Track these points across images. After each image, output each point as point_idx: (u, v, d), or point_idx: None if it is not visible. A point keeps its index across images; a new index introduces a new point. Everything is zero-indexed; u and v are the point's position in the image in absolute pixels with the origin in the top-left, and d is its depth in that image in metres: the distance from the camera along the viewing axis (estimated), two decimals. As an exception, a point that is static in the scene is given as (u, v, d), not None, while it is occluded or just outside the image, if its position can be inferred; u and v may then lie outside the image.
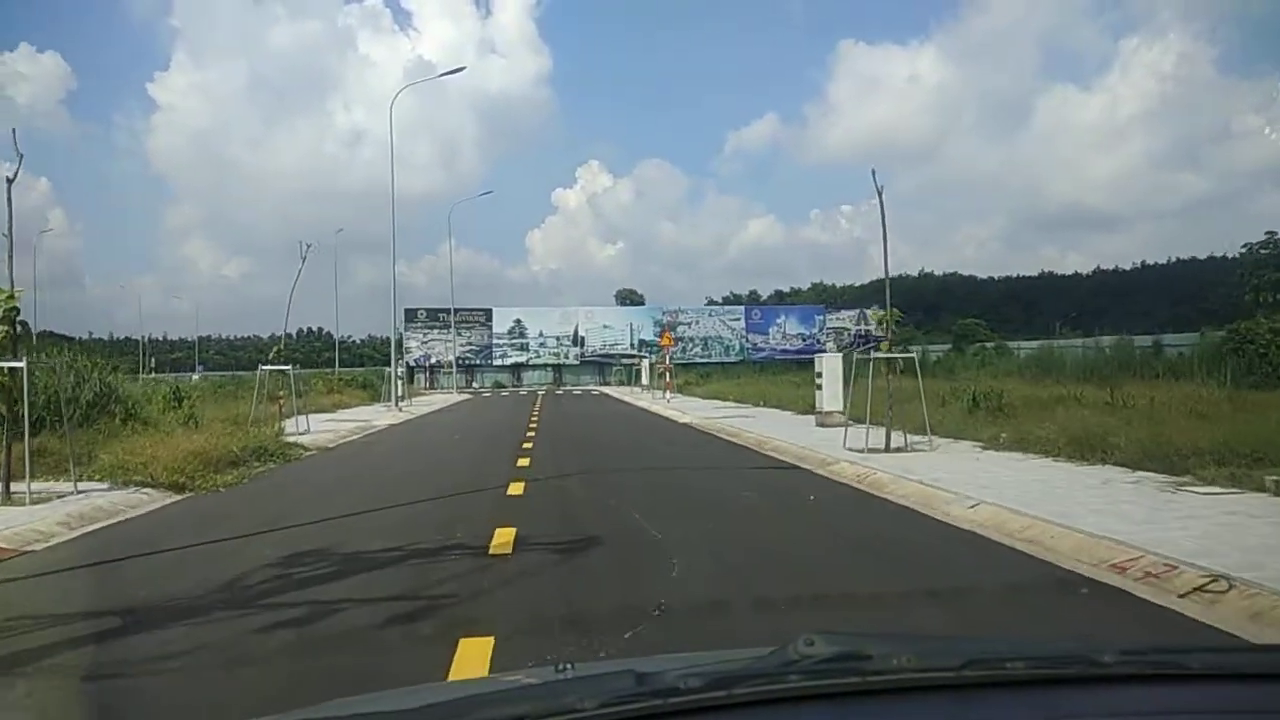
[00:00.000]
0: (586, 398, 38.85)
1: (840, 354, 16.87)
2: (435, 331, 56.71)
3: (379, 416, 23.53)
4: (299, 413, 17.95)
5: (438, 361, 56.37)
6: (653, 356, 48.81)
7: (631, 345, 57.65)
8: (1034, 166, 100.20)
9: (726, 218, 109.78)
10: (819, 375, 16.75)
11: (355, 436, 17.75)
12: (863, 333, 58.41)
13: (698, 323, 58.41)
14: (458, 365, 56.98)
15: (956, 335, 51.58)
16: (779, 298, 77.73)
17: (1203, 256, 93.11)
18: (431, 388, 52.96)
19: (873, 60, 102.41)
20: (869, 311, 58.96)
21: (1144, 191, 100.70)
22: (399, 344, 51.51)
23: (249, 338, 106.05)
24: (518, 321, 57.56)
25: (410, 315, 56.38)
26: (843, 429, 14.31)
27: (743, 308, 58.78)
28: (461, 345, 56.81)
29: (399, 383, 31.57)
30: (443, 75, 41.53)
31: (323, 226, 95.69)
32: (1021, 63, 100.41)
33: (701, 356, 57.44)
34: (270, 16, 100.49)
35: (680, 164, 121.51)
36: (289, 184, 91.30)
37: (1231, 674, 1.24)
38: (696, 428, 18.74)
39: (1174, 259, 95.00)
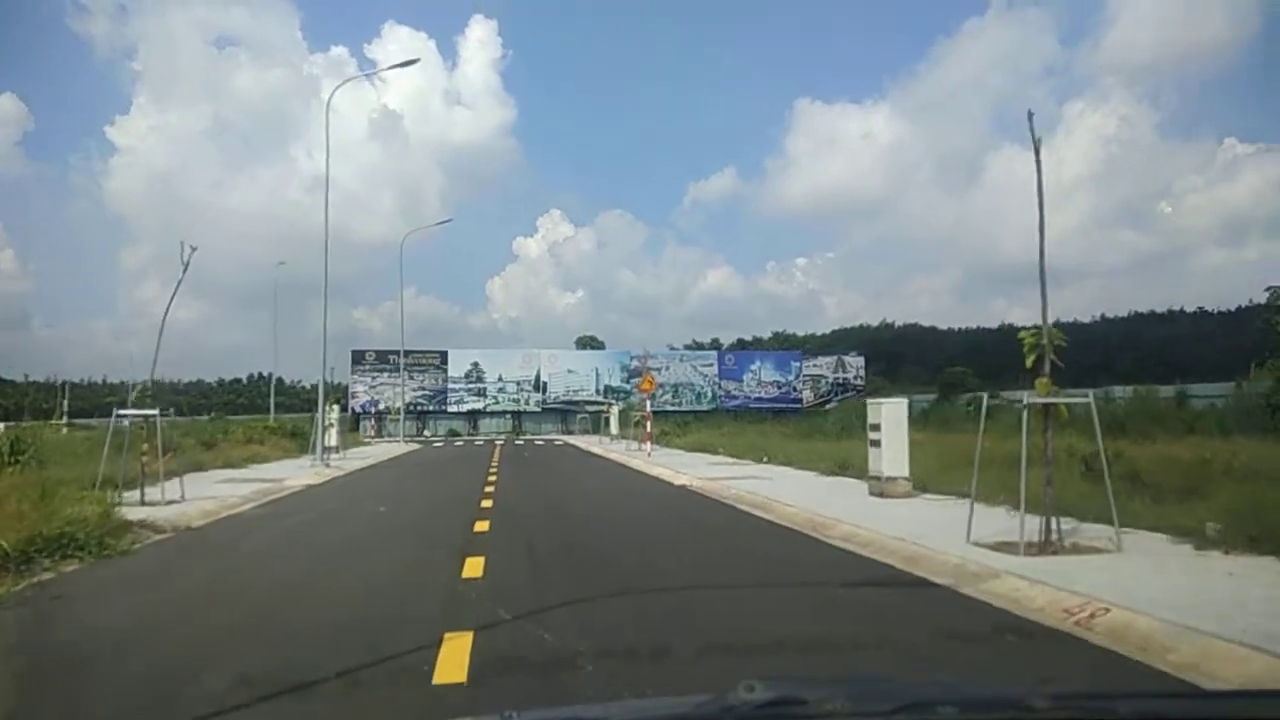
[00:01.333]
0: (551, 449, 34.18)
1: (903, 401, 12.58)
2: (385, 375, 51.68)
3: (296, 475, 18.68)
4: (175, 473, 13.19)
5: (386, 408, 51.27)
6: (621, 403, 44.44)
7: (597, 391, 53.17)
8: (985, 222, 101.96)
9: (686, 268, 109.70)
10: (873, 428, 12.46)
11: (246, 507, 12.95)
12: (840, 380, 54.72)
13: (668, 368, 54.17)
14: (409, 411, 51.90)
15: (943, 385, 48.03)
16: (741, 346, 74.44)
17: (1161, 310, 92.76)
18: (378, 436, 47.84)
19: (829, 118, 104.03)
20: (847, 358, 55.50)
21: (1090, 249, 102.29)
22: (330, 391, 46.30)
23: (195, 382, 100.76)
24: (475, 365, 52.82)
25: (358, 358, 51.35)
26: (909, 500, 10.25)
27: (715, 353, 54.84)
28: (413, 390, 51.82)
29: (330, 431, 26.68)
30: (393, 68, 38.35)
31: (282, 270, 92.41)
32: (972, 122, 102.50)
33: (672, 404, 53.08)
34: (234, 63, 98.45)
35: (641, 214, 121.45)
36: (249, 228, 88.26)
37: (1158, 719, 1.25)
38: (704, 494, 14.33)
39: (1133, 312, 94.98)
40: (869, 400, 13.09)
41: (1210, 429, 22.02)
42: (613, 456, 26.37)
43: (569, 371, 53.33)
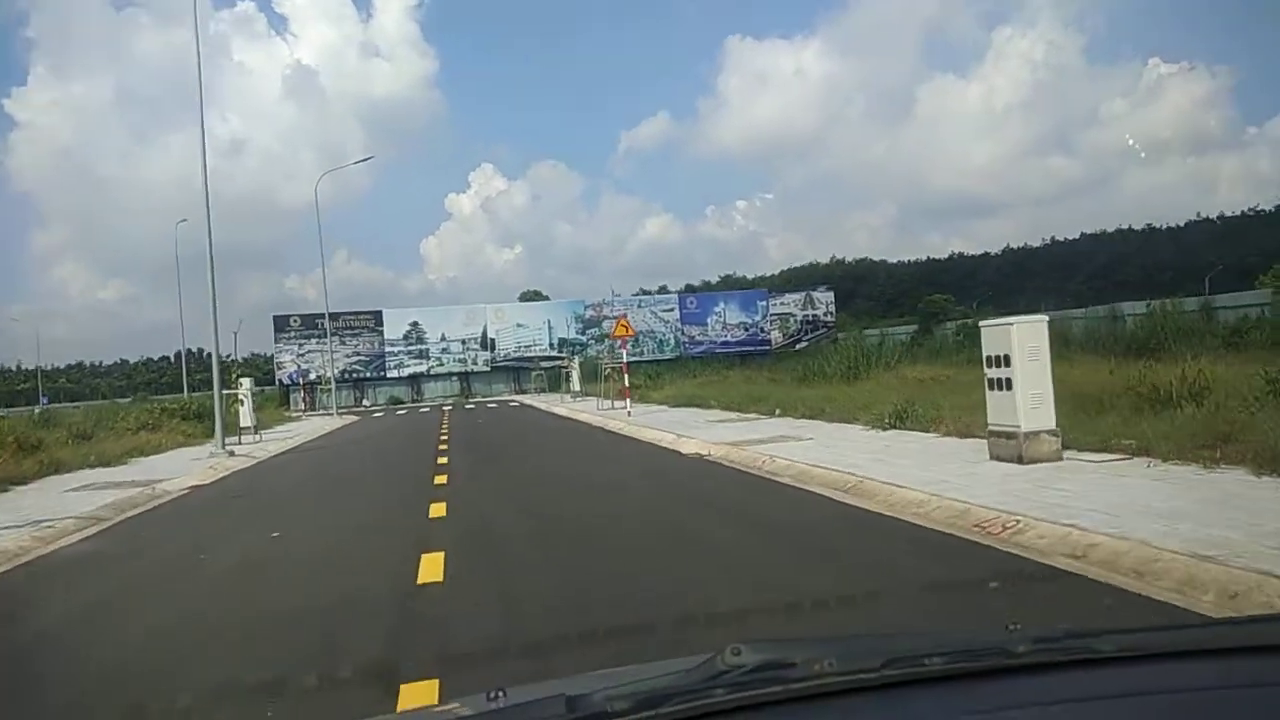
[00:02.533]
0: (509, 413, 29.94)
1: (1042, 320, 8.62)
2: (313, 342, 46.49)
3: (186, 471, 14.19)
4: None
5: (317, 377, 46.22)
6: (579, 356, 40.19)
7: (551, 346, 48.80)
8: (918, 155, 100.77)
9: (624, 217, 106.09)
10: (996, 362, 8.53)
11: (59, 544, 8.49)
12: (810, 318, 51.24)
13: (625, 315, 49.92)
14: (344, 380, 46.95)
15: (924, 314, 44.84)
16: (691, 292, 70.52)
17: (1111, 230, 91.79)
18: (309, 409, 42.91)
19: (760, 55, 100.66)
20: (816, 294, 51.99)
21: (1020, 177, 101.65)
22: (251, 363, 41.14)
23: (119, 363, 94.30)
24: (414, 325, 47.92)
25: (281, 324, 46.07)
26: (1074, 466, 6.49)
27: (676, 296, 50.78)
28: (346, 356, 46.81)
29: (241, 409, 22.07)
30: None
31: (203, 241, 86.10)
32: (902, 53, 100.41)
33: (632, 354, 48.96)
34: (135, 25, 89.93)
35: (575, 164, 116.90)
36: (166, 199, 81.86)
37: (1141, 654, 1.25)
38: (739, 468, 10.36)
39: (1082, 233, 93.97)
40: (983, 323, 9.13)
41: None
42: (584, 418, 22.29)
43: (518, 326, 48.81)
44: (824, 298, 51.80)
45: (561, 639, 4.20)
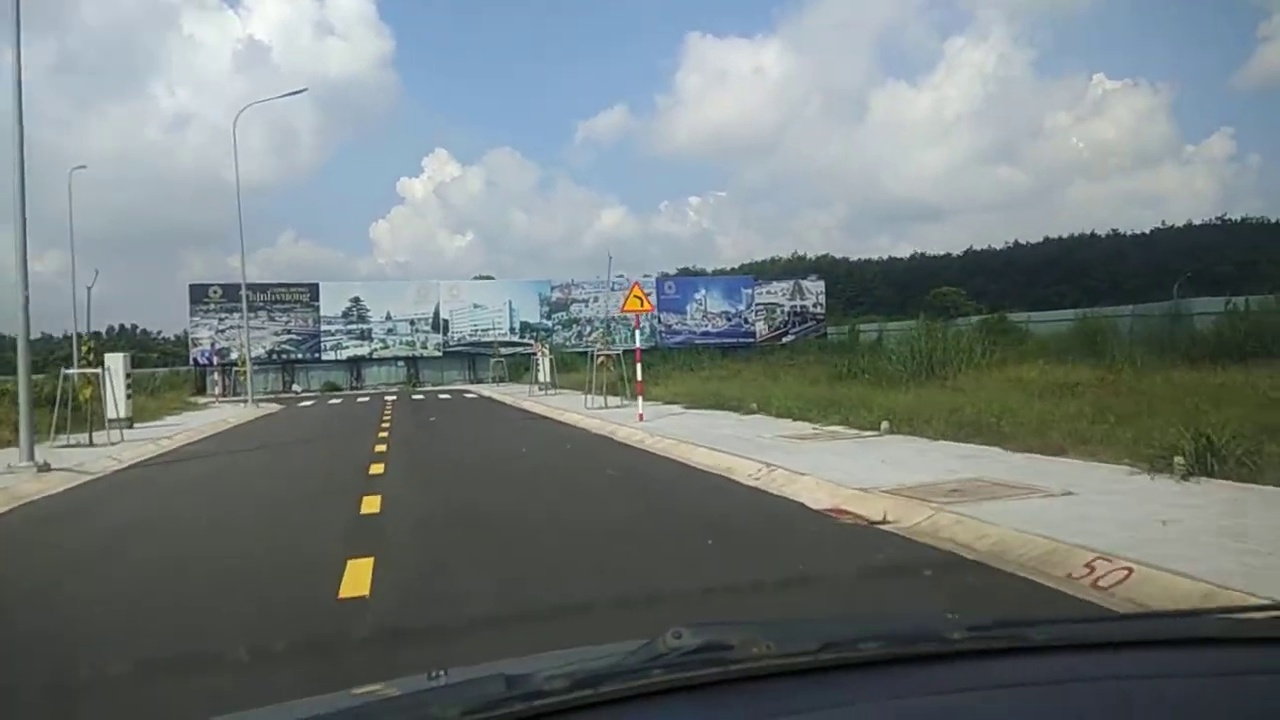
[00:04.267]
0: (467, 407, 24.03)
1: None
2: (237, 317, 39.73)
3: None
4: None
5: (239, 358, 39.51)
6: (545, 339, 34.31)
7: (512, 330, 42.79)
8: (869, 158, 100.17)
9: (579, 207, 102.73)
10: None
11: None
12: (798, 309, 46.07)
13: (595, 299, 44.16)
14: (271, 362, 40.34)
15: (931, 309, 39.91)
16: (669, 277, 65.15)
17: (1077, 234, 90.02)
18: (228, 395, 36.26)
19: (720, 53, 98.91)
20: (805, 283, 46.90)
21: (967, 184, 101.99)
22: (154, 340, 34.58)
23: (41, 337, 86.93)
24: (355, 301, 41.44)
25: (198, 295, 39.24)
26: None
27: (654, 280, 45.11)
28: (275, 334, 40.20)
29: (109, 397, 15.83)
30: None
31: (146, 216, 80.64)
32: (857, 57, 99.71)
33: (602, 342, 43.32)
34: None
35: (531, 153, 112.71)
36: (106, 172, 76.38)
37: (1072, 644, 1.26)
38: (1004, 566, 4.88)
39: (1045, 238, 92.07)
40: None
41: None
42: (573, 420, 16.58)
43: (475, 307, 42.67)
44: (814, 287, 46.68)
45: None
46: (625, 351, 40.06)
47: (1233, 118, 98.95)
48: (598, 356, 19.02)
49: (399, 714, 1.05)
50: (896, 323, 43.92)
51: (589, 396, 19.03)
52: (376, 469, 9.94)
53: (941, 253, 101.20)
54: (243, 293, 28.98)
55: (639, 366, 15.05)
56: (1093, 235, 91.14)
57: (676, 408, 16.94)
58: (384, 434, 14.94)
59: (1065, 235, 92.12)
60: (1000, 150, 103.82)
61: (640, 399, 14.74)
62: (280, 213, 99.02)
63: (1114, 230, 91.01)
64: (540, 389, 27.29)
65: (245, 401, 27.44)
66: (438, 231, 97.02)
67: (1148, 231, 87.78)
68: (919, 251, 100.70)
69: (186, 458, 13.18)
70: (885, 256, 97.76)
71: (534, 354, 30.69)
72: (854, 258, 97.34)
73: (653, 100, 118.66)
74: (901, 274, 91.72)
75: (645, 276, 46.51)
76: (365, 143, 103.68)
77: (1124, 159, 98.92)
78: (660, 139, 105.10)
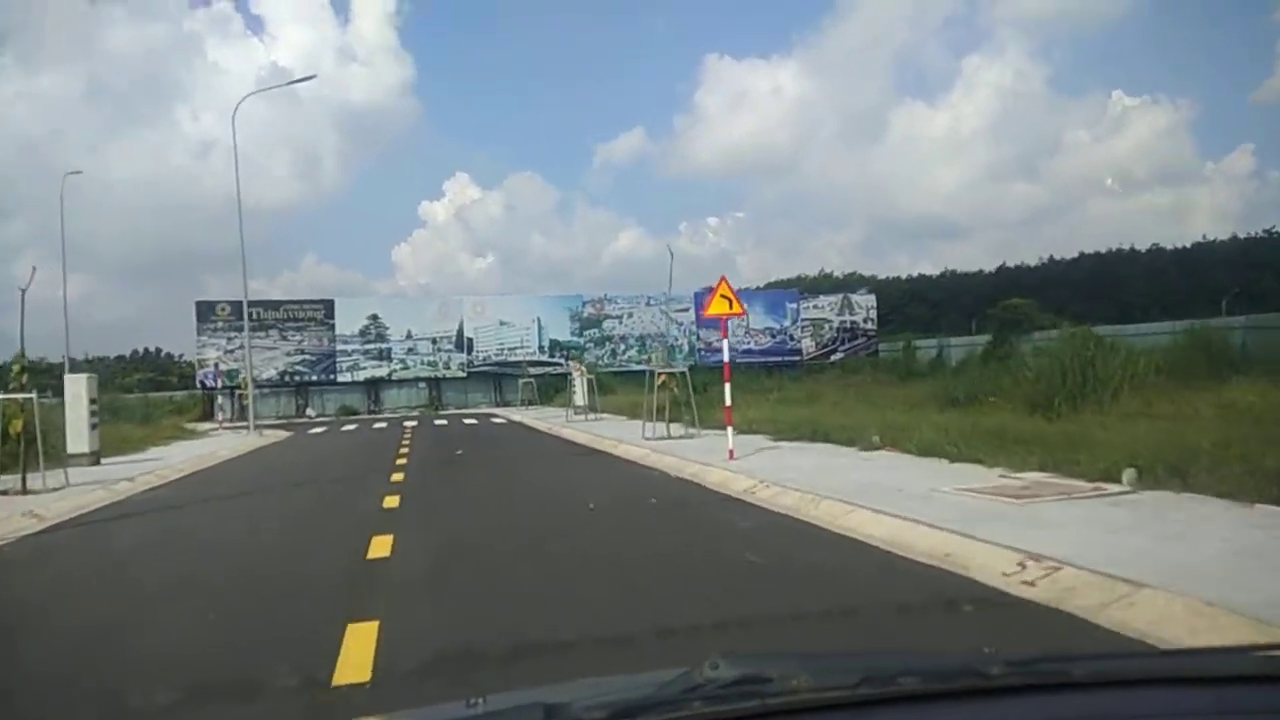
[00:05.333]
0: (498, 435, 20.70)
1: None
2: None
3: None
4: None
5: (243, 381, 36.48)
6: (579, 356, 30.91)
7: (540, 348, 39.56)
8: (887, 177, 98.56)
9: (598, 229, 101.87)
10: None
11: None
12: (847, 325, 42.57)
13: (631, 315, 40.92)
14: (283, 385, 37.33)
15: (1002, 322, 36.30)
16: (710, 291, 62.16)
17: (1114, 249, 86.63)
18: (236, 419, 33.14)
19: (738, 74, 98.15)
20: (855, 297, 43.41)
21: (985, 202, 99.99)
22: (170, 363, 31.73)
23: (82, 359, 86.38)
24: (374, 319, 38.37)
25: (205, 312, 36.31)
26: None
27: (693, 294, 41.77)
28: (288, 355, 37.19)
29: (73, 423, 12.70)
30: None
31: (171, 241, 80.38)
32: (875, 78, 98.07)
33: (638, 361, 39.98)
34: (108, 19, 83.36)
35: (551, 176, 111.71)
36: (132, 198, 75.88)
37: (1112, 681, 1.23)
38: None
39: (1080, 253, 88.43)
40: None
41: None
42: (636, 456, 13.19)
43: (501, 324, 39.48)
44: (864, 301, 43.19)
45: None
46: (642, 371, 36.89)
47: (1253, 134, 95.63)
48: (658, 375, 15.64)
49: None
50: (959, 339, 40.37)
51: (648, 424, 15.63)
52: (380, 546, 6.59)
53: (974, 269, 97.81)
54: (244, 308, 25.86)
55: (728, 388, 11.61)
56: (1132, 250, 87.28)
57: (762, 439, 13.50)
58: (398, 476, 11.63)
59: (1103, 250, 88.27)
60: (1019, 167, 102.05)
61: (730, 430, 11.29)
62: (303, 237, 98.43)
63: (1155, 244, 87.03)
64: (577, 413, 23.96)
65: (247, 429, 24.26)
66: (458, 254, 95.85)
67: (1188, 245, 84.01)
68: (950, 269, 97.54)
69: (136, 511, 9.88)
70: (915, 274, 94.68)
71: (569, 374, 27.40)
72: (882, 275, 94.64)
73: (671, 122, 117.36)
74: (931, 291, 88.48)
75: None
76: (387, 167, 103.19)
77: (1143, 175, 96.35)
78: (679, 161, 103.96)
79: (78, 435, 14.68)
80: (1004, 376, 15.89)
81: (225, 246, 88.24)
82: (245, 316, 26.04)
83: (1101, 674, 1.24)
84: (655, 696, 1.07)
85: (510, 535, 7.08)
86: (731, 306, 11.22)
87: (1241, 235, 78.63)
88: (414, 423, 27.62)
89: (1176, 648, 3.38)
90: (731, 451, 11.10)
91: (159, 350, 77.24)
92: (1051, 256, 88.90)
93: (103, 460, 15.21)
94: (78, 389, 15.01)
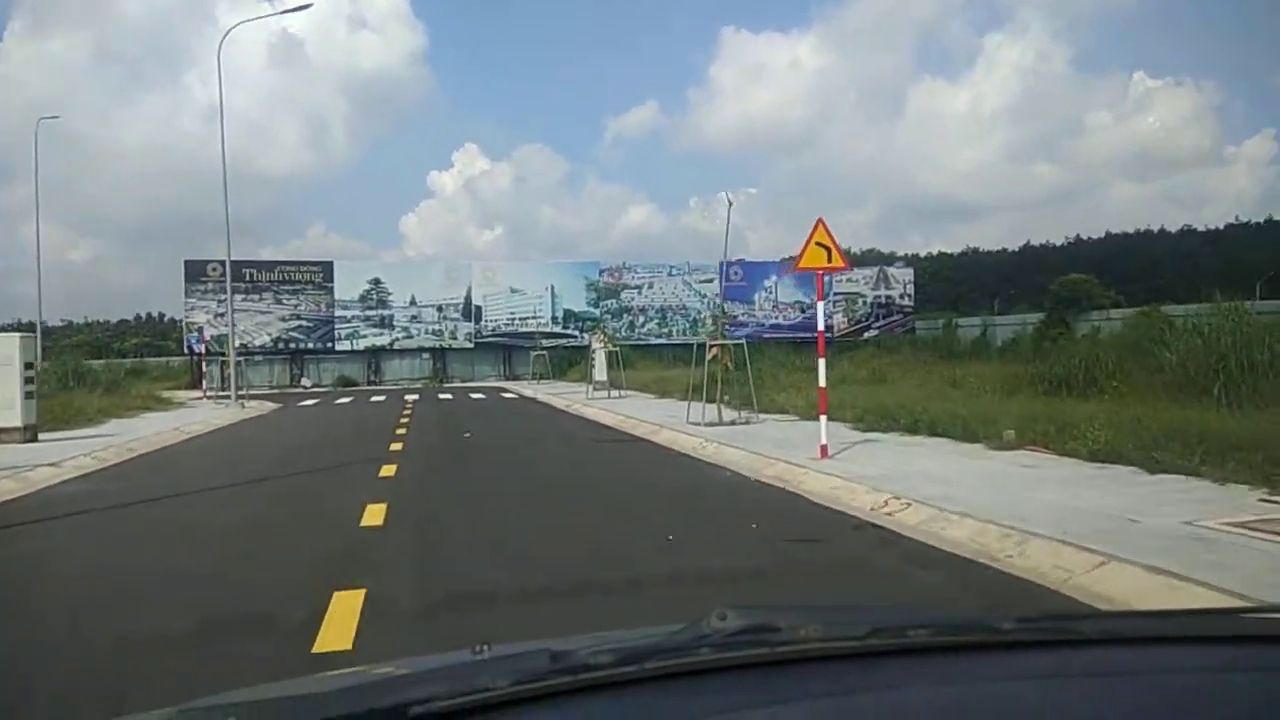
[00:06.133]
0: (510, 414, 18.01)
1: None
2: (240, 299, 34.15)
3: None
4: None
5: (243, 345, 33.87)
6: (600, 327, 28.03)
7: (554, 319, 36.84)
8: (904, 155, 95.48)
9: (608, 203, 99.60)
10: None
11: None
12: (883, 300, 39.74)
13: (651, 285, 38.12)
14: (278, 352, 34.75)
15: (1057, 299, 33.45)
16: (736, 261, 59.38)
17: (1142, 230, 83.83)
18: (227, 391, 30.53)
19: (755, 48, 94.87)
20: (892, 270, 40.53)
21: (1005, 182, 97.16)
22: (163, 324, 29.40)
23: (65, 325, 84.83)
24: (376, 283, 35.64)
25: (194, 273, 33.62)
26: None
27: (718, 265, 38.93)
28: (283, 319, 34.55)
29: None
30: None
31: (181, 207, 79.03)
32: (894, 54, 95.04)
33: (658, 335, 37.31)
34: None
35: (561, 148, 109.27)
36: (139, 164, 74.55)
37: (1120, 638, 1.23)
38: None
39: (1107, 233, 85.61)
40: None
41: None
42: (689, 447, 10.49)
43: (512, 292, 36.73)
44: (901, 276, 40.32)
45: None
46: (669, 346, 34.39)
47: (1276, 118, 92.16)
48: (709, 348, 12.91)
49: (448, 682, 0.99)
50: (1004, 317, 37.57)
51: (695, 405, 12.93)
52: (343, 614, 3.91)
53: (996, 248, 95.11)
54: (228, 267, 23.08)
55: (823, 365, 8.83)
56: (1162, 230, 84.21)
57: (844, 428, 10.79)
58: (389, 469, 8.97)
59: (1130, 230, 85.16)
60: (1039, 147, 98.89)
61: (824, 420, 8.56)
62: (311, 205, 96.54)
63: (1187, 225, 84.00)
64: (597, 390, 21.27)
65: (227, 401, 21.61)
66: (466, 225, 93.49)
67: (1221, 227, 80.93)
68: (972, 247, 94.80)
69: (36, 515, 7.23)
70: (937, 252, 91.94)
71: (588, 346, 24.70)
72: (901, 252, 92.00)
73: (685, 96, 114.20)
74: (952, 270, 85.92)
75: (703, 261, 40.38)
76: (397, 137, 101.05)
77: (1165, 157, 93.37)
78: (692, 135, 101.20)
79: (6, 407, 12.05)
80: (1130, 359, 13.11)
81: (234, 213, 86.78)
82: (228, 276, 23.26)
83: (1110, 631, 1.25)
84: (663, 644, 1.06)
85: (555, 603, 4.39)
86: (830, 258, 8.44)
87: (1277, 217, 75.37)
88: (415, 396, 24.99)
89: (1184, 609, 3.19)
90: (824, 448, 8.41)
91: (162, 315, 75.38)
92: (1078, 236, 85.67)
93: (41, 436, 12.62)
94: (9, 351, 12.34)
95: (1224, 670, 1.11)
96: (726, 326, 14.33)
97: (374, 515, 6.44)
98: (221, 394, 25.30)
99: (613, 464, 9.71)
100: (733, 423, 12.49)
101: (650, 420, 13.63)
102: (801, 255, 8.44)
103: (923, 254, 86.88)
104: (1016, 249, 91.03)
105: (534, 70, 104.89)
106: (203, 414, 18.46)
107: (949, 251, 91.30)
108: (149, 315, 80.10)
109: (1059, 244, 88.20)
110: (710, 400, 12.64)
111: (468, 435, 12.72)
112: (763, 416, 12.70)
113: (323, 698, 1.01)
